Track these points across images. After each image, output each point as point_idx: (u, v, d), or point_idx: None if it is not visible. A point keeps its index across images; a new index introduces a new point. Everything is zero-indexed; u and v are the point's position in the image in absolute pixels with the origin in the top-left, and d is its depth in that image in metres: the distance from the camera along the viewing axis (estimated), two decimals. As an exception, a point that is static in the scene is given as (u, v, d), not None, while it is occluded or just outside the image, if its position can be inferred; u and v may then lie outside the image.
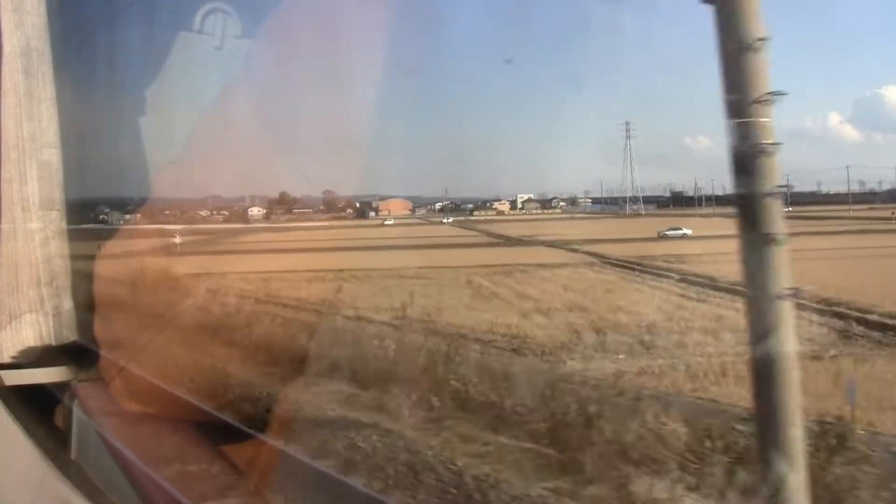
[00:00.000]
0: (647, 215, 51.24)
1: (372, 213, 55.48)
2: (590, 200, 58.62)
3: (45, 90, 3.42)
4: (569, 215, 55.54)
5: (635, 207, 53.55)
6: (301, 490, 2.85)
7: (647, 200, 57.30)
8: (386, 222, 52.54)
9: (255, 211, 49.58)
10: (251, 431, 3.54)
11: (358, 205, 56.93)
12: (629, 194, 54.05)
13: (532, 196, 57.45)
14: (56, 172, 3.36)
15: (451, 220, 54.54)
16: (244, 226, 48.14)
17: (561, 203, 58.15)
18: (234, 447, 3.31)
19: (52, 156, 3.38)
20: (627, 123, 50.62)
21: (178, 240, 40.63)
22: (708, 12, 3.28)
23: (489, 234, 42.45)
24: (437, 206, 58.58)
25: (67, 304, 3.26)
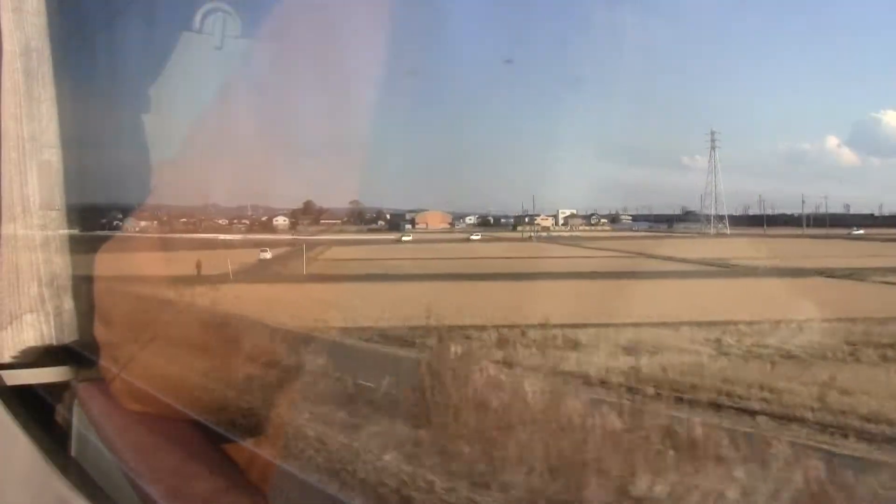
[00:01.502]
0: (732, 235, 46.91)
1: (408, 226, 53.02)
2: (630, 217, 56.17)
3: (46, 90, 3.43)
4: (652, 234, 51.68)
5: (720, 226, 49.10)
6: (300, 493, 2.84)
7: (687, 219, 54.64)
8: (403, 238, 49.02)
9: (281, 220, 48.06)
10: (251, 434, 3.54)
11: (389, 216, 55.34)
12: (713, 211, 49.22)
13: (575, 211, 55.48)
14: (56, 173, 3.37)
15: (479, 236, 51.48)
16: (317, 237, 46.06)
17: (602, 220, 56.05)
18: (236, 448, 3.30)
19: (53, 156, 3.39)
20: (713, 133, 47.77)
21: (268, 255, 37.64)
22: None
23: (648, 256, 36.43)
24: (470, 219, 56.45)
25: (68, 304, 3.28)
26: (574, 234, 51.47)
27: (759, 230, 47.07)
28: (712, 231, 48.27)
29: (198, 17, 5.11)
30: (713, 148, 50.36)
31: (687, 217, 52.43)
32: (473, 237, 51.16)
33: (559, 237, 50.18)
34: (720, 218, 49.30)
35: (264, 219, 46.12)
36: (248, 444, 3.18)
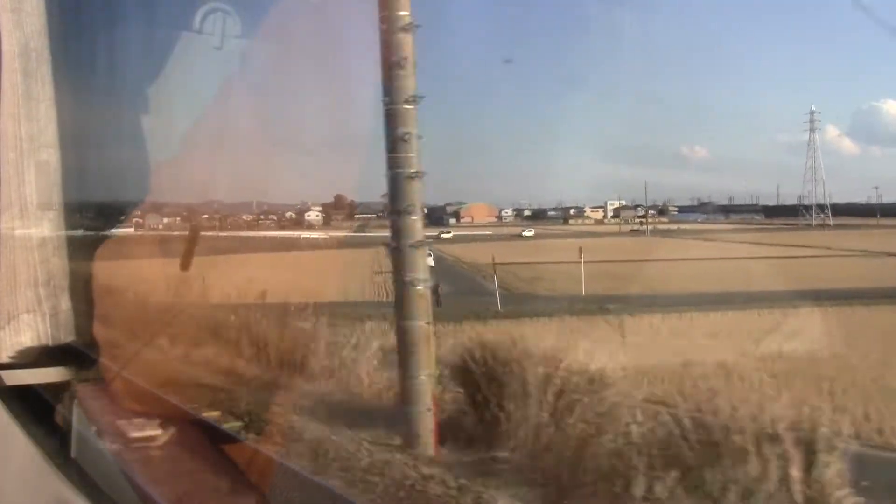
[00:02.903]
0: (835, 227, 42.72)
1: (452, 220, 49.49)
2: (676, 209, 53.48)
3: (44, 90, 3.43)
4: (755, 225, 47.04)
5: (821, 216, 45.75)
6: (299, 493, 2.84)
7: (736, 210, 51.49)
8: (443, 235, 43.75)
9: (313, 215, 45.51)
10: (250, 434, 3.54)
11: (425, 210, 53.38)
12: (814, 200, 46.07)
13: (624, 202, 52.82)
14: (54, 173, 3.36)
15: (532, 231, 46.79)
16: (370, 233, 43.12)
17: (651, 212, 53.39)
18: (236, 448, 3.30)
19: (51, 156, 3.38)
20: (812, 112, 43.03)
21: (431, 260, 32.75)
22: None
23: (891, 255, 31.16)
24: (506, 212, 53.40)
25: (65, 304, 3.27)
26: (664, 227, 46.91)
27: (862, 221, 43.32)
28: (813, 222, 45.12)
29: (198, 17, 5.10)
30: (812, 130, 45.86)
31: (823, 208, 48.41)
32: (527, 233, 46.49)
33: (668, 230, 45.54)
34: (821, 208, 46.43)
35: (289, 214, 43.94)
36: (247, 443, 3.18)
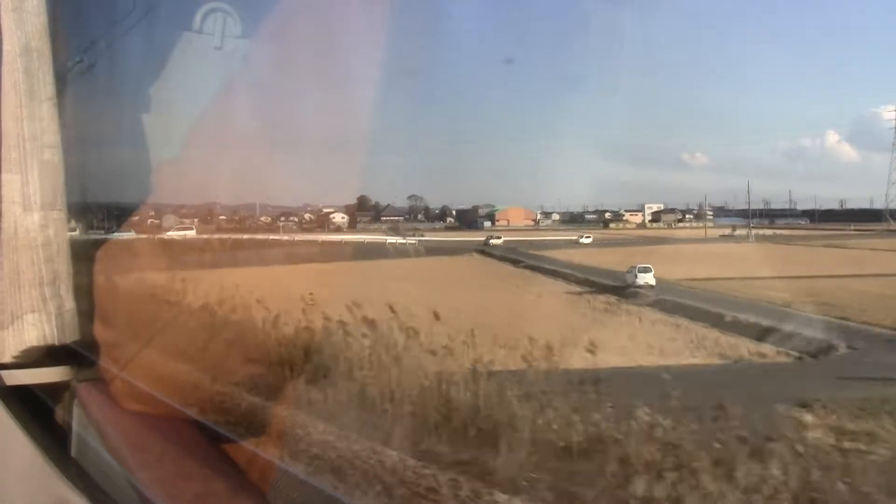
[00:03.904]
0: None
1: (487, 223, 46.08)
2: (711, 213, 51.17)
3: (46, 90, 3.44)
4: (837, 231, 42.66)
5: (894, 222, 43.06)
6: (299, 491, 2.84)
7: (772, 214, 49.82)
8: (493, 240, 39.11)
9: (339, 218, 43.62)
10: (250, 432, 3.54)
11: (455, 212, 51.63)
12: (891, 204, 43.62)
13: (662, 206, 50.78)
14: (58, 173, 3.37)
15: (590, 238, 41.76)
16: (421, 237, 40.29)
17: (688, 216, 51.48)
18: (236, 448, 3.30)
19: (54, 156, 3.39)
20: None
21: (650, 278, 20.70)
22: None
23: None
24: (538, 215, 50.62)
25: (69, 304, 3.28)
26: (760, 231, 42.88)
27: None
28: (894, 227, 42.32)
29: (198, 17, 5.10)
30: (898, 129, 43.18)
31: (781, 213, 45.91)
32: (584, 240, 40.68)
33: (764, 236, 40.91)
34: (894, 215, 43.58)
35: (308, 217, 41.34)
36: (248, 444, 3.18)
